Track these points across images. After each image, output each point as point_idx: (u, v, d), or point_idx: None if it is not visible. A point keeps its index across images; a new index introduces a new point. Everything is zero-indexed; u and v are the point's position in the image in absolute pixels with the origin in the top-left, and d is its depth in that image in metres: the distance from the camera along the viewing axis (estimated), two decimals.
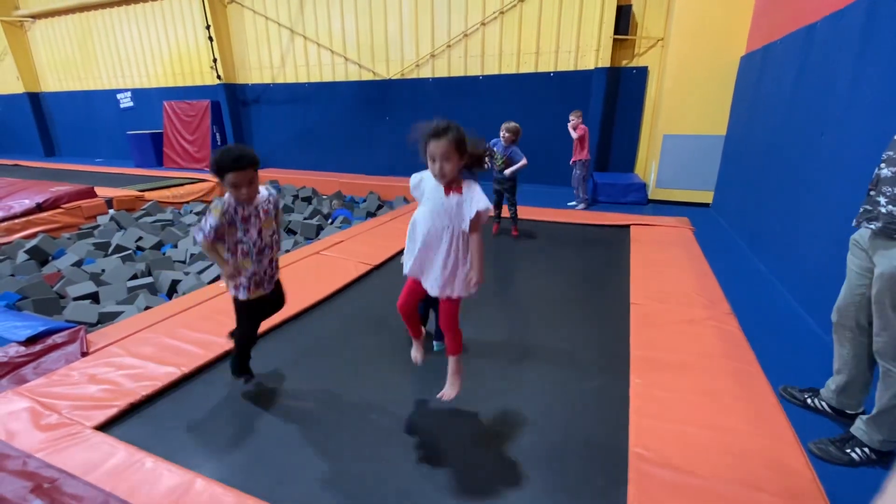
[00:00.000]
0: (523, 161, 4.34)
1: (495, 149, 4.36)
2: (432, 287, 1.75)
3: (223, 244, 1.89)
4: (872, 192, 1.67)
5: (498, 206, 4.68)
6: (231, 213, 1.84)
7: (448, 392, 1.88)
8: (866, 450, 1.68)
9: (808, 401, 2.06)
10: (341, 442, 1.86)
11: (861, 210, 1.73)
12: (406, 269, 1.80)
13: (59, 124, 12.66)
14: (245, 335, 2.13)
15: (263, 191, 1.96)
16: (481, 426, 1.95)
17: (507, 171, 4.34)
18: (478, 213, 1.60)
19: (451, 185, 1.65)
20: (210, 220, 1.82)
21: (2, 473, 1.61)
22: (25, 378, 2.19)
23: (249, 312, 2.05)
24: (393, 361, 2.47)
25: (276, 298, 2.16)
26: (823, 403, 2.01)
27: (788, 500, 1.50)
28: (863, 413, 1.93)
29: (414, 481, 1.65)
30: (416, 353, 1.99)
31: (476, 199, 1.61)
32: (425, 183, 1.74)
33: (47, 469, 1.63)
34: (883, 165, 1.63)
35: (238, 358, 2.15)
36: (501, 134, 4.36)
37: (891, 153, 1.61)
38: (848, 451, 1.70)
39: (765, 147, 4.00)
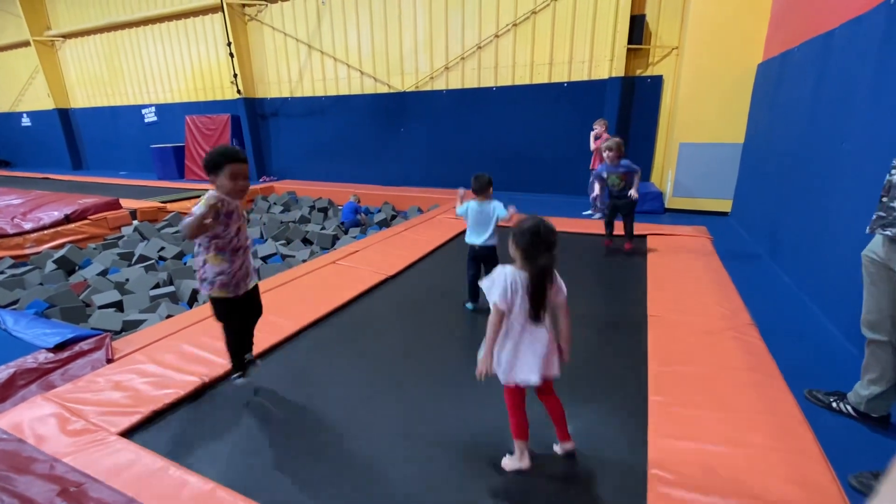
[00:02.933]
0: (638, 172, 4.16)
1: (604, 173, 4.19)
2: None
3: (201, 239, 1.95)
4: (885, 199, 1.65)
5: (610, 224, 4.42)
6: (218, 206, 1.89)
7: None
8: None
9: (833, 404, 2.04)
10: (364, 453, 1.86)
11: (875, 217, 1.70)
12: None
13: (86, 139, 13.14)
14: (226, 333, 2.16)
15: None
16: (495, 443, 1.93)
17: (633, 191, 4.08)
18: None
19: None
20: (198, 209, 1.85)
21: (30, 477, 1.66)
22: (53, 384, 2.26)
23: (223, 310, 2.09)
24: (411, 372, 2.48)
25: (252, 304, 2.21)
26: (849, 407, 1.98)
27: None
28: (887, 416, 1.90)
29: (434, 498, 1.65)
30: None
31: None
32: None
33: (73, 473, 1.68)
34: (895, 171, 1.62)
35: (230, 357, 2.22)
36: (605, 155, 4.13)
37: None
38: None
39: (785, 155, 3.94)
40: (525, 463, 1.71)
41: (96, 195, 6.98)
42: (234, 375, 2.23)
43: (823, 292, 2.99)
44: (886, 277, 1.72)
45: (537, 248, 1.52)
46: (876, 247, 1.76)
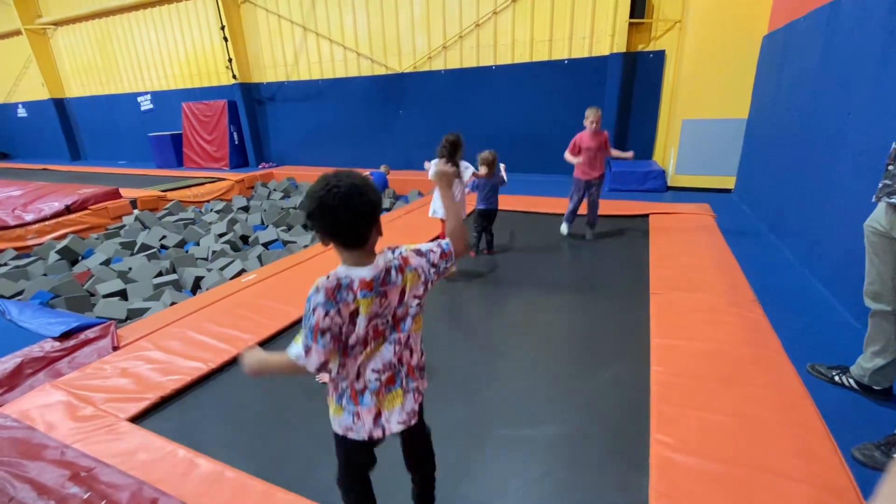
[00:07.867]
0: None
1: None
2: None
3: None
4: (892, 167, 1.62)
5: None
6: None
7: None
8: None
9: (836, 378, 2.04)
10: None
11: (881, 185, 1.67)
12: None
13: (83, 129, 13.02)
14: None
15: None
16: (502, 415, 1.96)
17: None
18: None
19: None
20: None
21: (41, 462, 1.69)
22: (61, 372, 2.29)
23: None
24: None
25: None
26: (851, 380, 1.99)
27: (817, 487, 1.47)
28: (889, 388, 1.90)
29: (439, 469, 1.67)
30: None
31: None
32: None
33: (84, 458, 1.71)
34: None
35: None
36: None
37: None
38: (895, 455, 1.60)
39: (790, 129, 3.87)
40: None
41: (96, 185, 6.95)
42: None
43: (826, 267, 2.97)
44: (889, 247, 1.71)
45: None
46: (879, 216, 1.74)
